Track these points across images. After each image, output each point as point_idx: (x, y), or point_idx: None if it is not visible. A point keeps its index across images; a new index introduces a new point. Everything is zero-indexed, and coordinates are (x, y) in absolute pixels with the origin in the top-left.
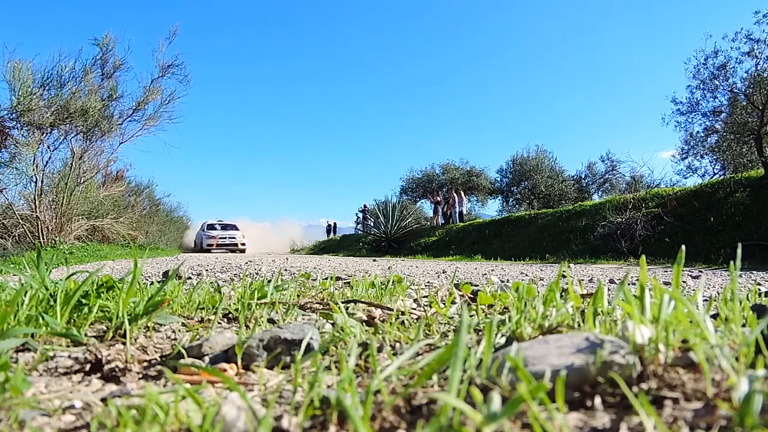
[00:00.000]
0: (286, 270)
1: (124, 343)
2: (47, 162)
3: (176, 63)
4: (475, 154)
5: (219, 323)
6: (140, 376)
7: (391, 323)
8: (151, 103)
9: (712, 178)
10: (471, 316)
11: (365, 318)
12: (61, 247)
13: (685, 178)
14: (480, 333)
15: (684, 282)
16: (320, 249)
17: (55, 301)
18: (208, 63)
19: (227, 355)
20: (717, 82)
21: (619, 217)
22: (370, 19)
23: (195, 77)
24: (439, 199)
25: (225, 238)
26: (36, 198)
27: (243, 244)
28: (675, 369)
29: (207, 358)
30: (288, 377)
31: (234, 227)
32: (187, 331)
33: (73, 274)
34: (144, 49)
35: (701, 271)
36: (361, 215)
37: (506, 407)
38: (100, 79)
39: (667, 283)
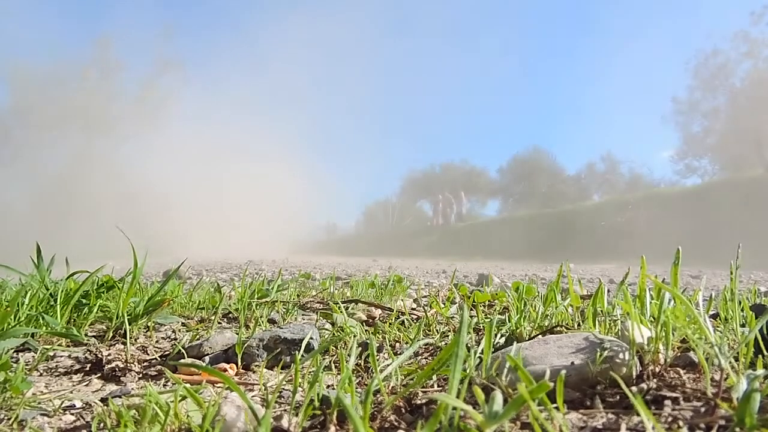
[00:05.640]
0: (286, 270)
1: (124, 343)
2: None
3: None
4: (476, 154)
5: (219, 323)
6: (140, 375)
7: (390, 323)
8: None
9: (711, 178)
10: (471, 316)
11: (365, 318)
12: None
13: (685, 178)
14: (480, 333)
15: (684, 282)
16: (320, 249)
17: (55, 301)
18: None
19: (227, 355)
20: (716, 82)
21: (619, 217)
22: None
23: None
24: (439, 198)
25: None
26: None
27: None
28: (675, 368)
29: (207, 358)
30: (288, 377)
31: None
32: (187, 331)
33: (73, 273)
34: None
35: (701, 271)
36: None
37: (508, 408)
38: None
39: (666, 283)
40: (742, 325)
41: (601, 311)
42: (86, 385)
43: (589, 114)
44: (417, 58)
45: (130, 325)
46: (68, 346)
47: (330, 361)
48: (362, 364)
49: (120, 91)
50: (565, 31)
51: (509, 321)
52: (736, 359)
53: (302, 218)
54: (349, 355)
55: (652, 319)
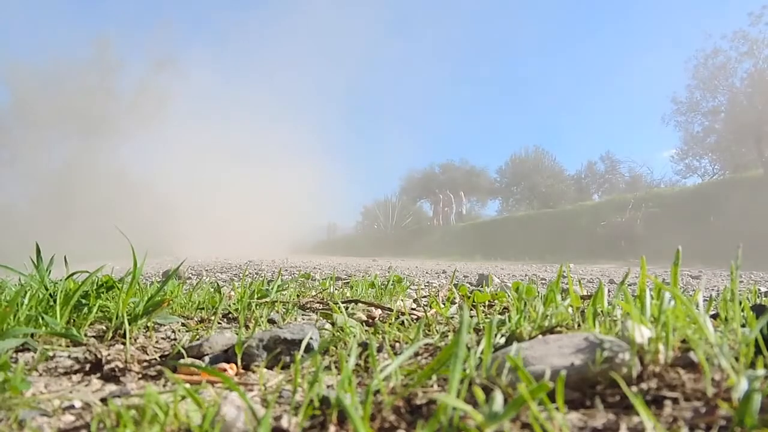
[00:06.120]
0: (286, 270)
1: (123, 343)
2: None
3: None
4: (475, 154)
5: (219, 323)
6: (140, 376)
7: (390, 323)
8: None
9: (711, 178)
10: (471, 316)
11: (365, 318)
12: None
13: (685, 179)
14: (480, 333)
15: (684, 282)
16: (320, 249)
17: (54, 301)
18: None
19: (227, 355)
20: (716, 82)
21: (619, 217)
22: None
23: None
24: (439, 198)
25: None
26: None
27: None
28: (675, 369)
29: (207, 358)
30: (288, 377)
31: None
32: (186, 331)
33: (72, 273)
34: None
35: (701, 271)
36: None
37: (508, 408)
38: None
39: (666, 283)
40: (743, 326)
41: (601, 311)
42: (86, 386)
43: (589, 114)
44: (417, 58)
45: (129, 325)
46: (68, 346)
47: (330, 362)
48: (362, 364)
49: (120, 91)
50: (565, 31)
51: (509, 321)
52: (737, 359)
53: (302, 218)
54: (348, 356)
55: (653, 319)
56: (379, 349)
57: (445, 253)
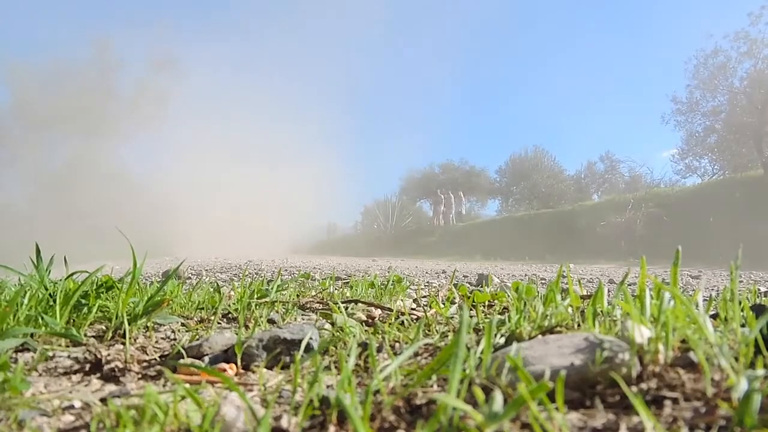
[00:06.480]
0: (285, 270)
1: (123, 343)
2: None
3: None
4: (475, 154)
5: (218, 323)
6: (140, 376)
7: (390, 323)
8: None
9: (711, 177)
10: (470, 316)
11: (365, 318)
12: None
13: (684, 178)
14: (480, 333)
15: (684, 282)
16: (320, 249)
17: (54, 301)
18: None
19: (227, 355)
20: (716, 82)
21: (619, 217)
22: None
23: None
24: (439, 198)
25: None
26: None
27: None
28: (675, 369)
29: (207, 358)
30: (287, 377)
31: None
32: (186, 331)
33: (72, 273)
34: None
35: (701, 271)
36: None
37: (507, 408)
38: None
39: (666, 283)
40: (742, 326)
41: (601, 311)
42: (85, 386)
43: (588, 114)
44: (417, 58)
45: (129, 325)
46: (67, 346)
47: (330, 362)
48: (362, 364)
49: (120, 91)
50: (564, 31)
51: (509, 321)
52: (736, 359)
53: (302, 218)
54: (348, 356)
55: (652, 319)
56: (379, 349)
57: (444, 253)
